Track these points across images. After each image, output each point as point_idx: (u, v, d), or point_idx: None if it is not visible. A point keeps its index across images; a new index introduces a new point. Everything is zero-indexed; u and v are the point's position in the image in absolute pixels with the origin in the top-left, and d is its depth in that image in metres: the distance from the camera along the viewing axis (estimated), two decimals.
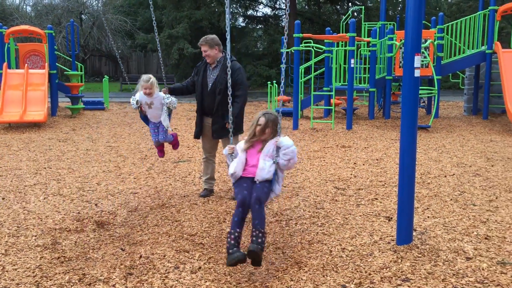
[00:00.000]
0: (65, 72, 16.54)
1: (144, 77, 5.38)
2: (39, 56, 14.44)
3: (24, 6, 33.86)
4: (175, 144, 5.83)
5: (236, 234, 3.58)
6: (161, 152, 5.87)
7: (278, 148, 3.89)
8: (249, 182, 3.85)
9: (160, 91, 5.48)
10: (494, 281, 3.32)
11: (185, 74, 28.50)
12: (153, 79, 5.37)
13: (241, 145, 4.07)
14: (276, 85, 14.28)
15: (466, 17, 13.41)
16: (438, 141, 9.49)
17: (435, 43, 12.49)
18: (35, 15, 31.05)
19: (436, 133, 10.55)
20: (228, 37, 4.20)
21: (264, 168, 3.82)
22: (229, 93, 4.32)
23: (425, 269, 3.51)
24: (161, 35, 24.98)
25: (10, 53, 13.94)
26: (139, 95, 5.42)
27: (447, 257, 3.72)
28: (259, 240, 3.54)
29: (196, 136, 5.74)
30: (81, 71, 16.62)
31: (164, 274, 3.55)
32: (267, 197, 3.81)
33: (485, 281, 3.32)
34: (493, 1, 12.63)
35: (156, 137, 5.61)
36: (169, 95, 5.43)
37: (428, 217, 4.78)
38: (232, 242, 3.55)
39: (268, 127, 3.94)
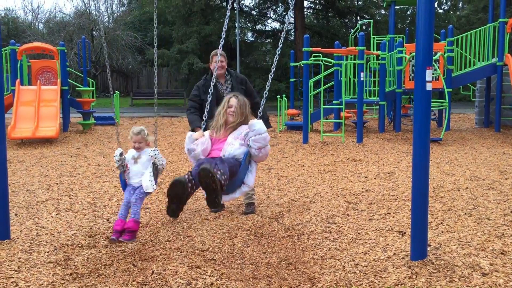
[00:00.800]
0: (76, 88, 16.72)
1: (134, 129, 4.77)
2: (51, 73, 14.62)
3: (37, 24, 34.45)
4: (130, 232, 4.58)
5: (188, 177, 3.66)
6: (117, 233, 4.56)
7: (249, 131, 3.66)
8: (211, 159, 3.61)
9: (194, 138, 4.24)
10: None
11: None
12: (144, 131, 4.76)
13: (194, 137, 3.92)
14: (286, 99, 14.30)
15: (476, 30, 13.38)
16: (450, 154, 9.42)
17: (445, 55, 12.47)
18: (47, 32, 31.51)
19: (448, 146, 10.47)
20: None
21: (232, 143, 3.61)
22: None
23: (440, 285, 3.46)
24: (171, 50, 25.24)
25: (23, 69, 14.13)
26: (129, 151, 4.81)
27: (462, 272, 3.67)
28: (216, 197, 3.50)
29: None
30: (92, 86, 16.79)
31: None
32: (231, 169, 3.54)
33: None
34: (503, 14, 12.61)
35: (129, 196, 4.68)
36: (157, 151, 4.66)
37: (442, 231, 4.72)
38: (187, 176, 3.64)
39: (240, 109, 3.82)
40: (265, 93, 3.91)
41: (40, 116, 12.09)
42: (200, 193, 6.57)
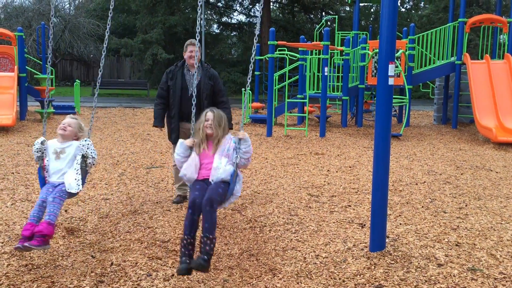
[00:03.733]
0: (35, 76, 16.19)
1: (71, 115, 4.23)
2: (8, 59, 14.10)
3: None
4: (43, 235, 3.56)
5: (186, 241, 3.43)
6: (24, 240, 3.56)
7: (236, 147, 3.73)
8: (203, 184, 3.66)
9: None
10: (465, 287, 3.37)
11: (158, 79, 28.20)
12: (79, 120, 4.15)
13: (185, 144, 3.83)
14: (250, 92, 14.29)
15: (436, 29, 13.74)
16: (409, 149, 9.65)
17: (407, 53, 12.74)
18: (4, 17, 30.32)
19: (407, 142, 10.72)
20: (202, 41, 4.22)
21: (219, 168, 3.64)
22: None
23: (397, 276, 3.54)
24: (134, 40, 24.79)
25: None
26: (52, 141, 4.04)
27: (419, 263, 3.77)
28: (207, 248, 3.36)
29: (175, 140, 5.58)
30: (51, 74, 16.30)
31: (136, 281, 3.48)
32: (221, 199, 3.58)
33: (456, 287, 3.36)
34: (462, 14, 12.99)
35: (45, 194, 3.77)
36: (89, 141, 3.97)
37: (400, 224, 4.84)
38: (183, 250, 3.42)
39: (217, 122, 3.81)
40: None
41: None
42: (162, 184, 6.51)
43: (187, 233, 3.44)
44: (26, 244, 3.51)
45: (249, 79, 4.16)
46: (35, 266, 3.73)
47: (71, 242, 4.29)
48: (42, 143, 3.91)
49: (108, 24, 4.06)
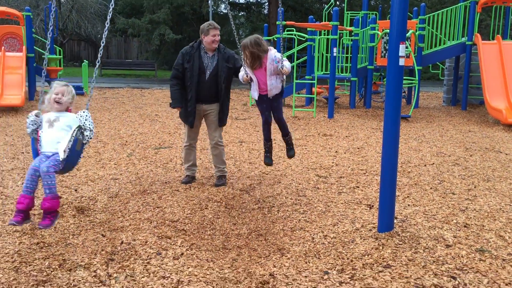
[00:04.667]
0: (43, 56, 16.20)
1: (60, 82, 3.99)
2: (17, 39, 14.11)
3: None
4: (49, 212, 3.53)
5: (267, 143, 5.22)
6: (20, 215, 3.49)
7: (279, 63, 4.78)
8: (265, 100, 4.97)
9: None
10: (473, 268, 3.38)
11: (166, 60, 28.17)
12: (71, 88, 3.89)
13: (245, 72, 4.96)
14: None
15: (447, 8, 13.52)
16: (418, 131, 9.60)
17: (417, 33, 12.58)
18: None
19: (416, 123, 10.66)
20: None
21: (272, 88, 4.88)
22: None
23: (405, 256, 3.55)
24: (141, 20, 24.64)
25: None
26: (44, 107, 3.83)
27: (427, 244, 3.78)
28: (289, 141, 5.23)
29: (192, 125, 5.52)
30: (59, 55, 16.30)
31: (146, 260, 3.53)
32: (281, 111, 5.09)
33: (464, 268, 3.38)
34: None
35: (38, 163, 3.54)
36: (87, 113, 3.72)
37: (409, 205, 4.84)
38: (266, 149, 5.25)
39: (250, 51, 4.79)
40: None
41: (4, 84, 11.71)
42: (171, 164, 6.54)
43: (266, 139, 5.19)
44: (40, 226, 3.50)
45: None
46: (46, 244, 3.78)
47: (81, 221, 4.34)
48: (36, 115, 3.69)
49: (112, 5, 3.91)
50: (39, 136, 3.70)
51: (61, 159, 3.53)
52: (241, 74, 4.99)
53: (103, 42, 3.95)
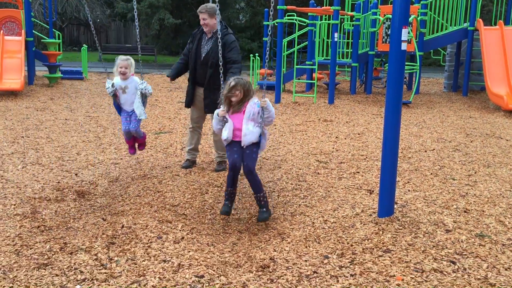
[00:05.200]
0: (42, 40, 16.08)
1: (122, 56, 5.20)
2: (15, 23, 14.00)
3: None
4: (141, 144, 5.50)
5: (229, 191, 4.18)
6: (132, 149, 5.47)
7: (260, 110, 4.16)
8: (238, 146, 4.18)
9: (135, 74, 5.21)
10: (473, 252, 3.39)
11: (166, 45, 28.03)
12: (131, 60, 5.15)
13: (219, 115, 4.25)
14: (259, 58, 14.15)
15: None
16: (418, 117, 9.58)
17: (418, 19, 12.49)
18: None
19: (417, 109, 10.63)
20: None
21: (247, 134, 4.14)
22: (221, 69, 4.48)
23: (405, 241, 3.56)
24: (141, 4, 24.45)
25: None
26: (115, 79, 5.14)
27: (427, 229, 3.79)
28: (262, 202, 4.11)
29: (187, 105, 5.62)
30: (58, 39, 16.19)
31: (147, 244, 3.54)
32: (255, 163, 4.21)
33: (464, 253, 3.39)
34: None
35: (127, 125, 5.16)
36: (143, 80, 5.12)
37: (409, 190, 4.84)
38: (227, 196, 4.19)
39: (239, 89, 4.12)
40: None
41: (3, 68, 11.64)
42: (171, 149, 6.53)
43: (229, 186, 4.17)
44: (140, 149, 5.56)
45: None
46: (47, 228, 3.79)
47: (82, 205, 4.34)
48: (112, 85, 5.04)
49: None
50: (118, 96, 5.12)
51: (139, 116, 5.08)
52: (216, 110, 4.30)
53: (93, 29, 4.76)
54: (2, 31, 13.08)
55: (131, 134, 5.23)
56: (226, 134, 4.18)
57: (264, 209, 4.12)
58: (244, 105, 4.19)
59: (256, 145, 4.19)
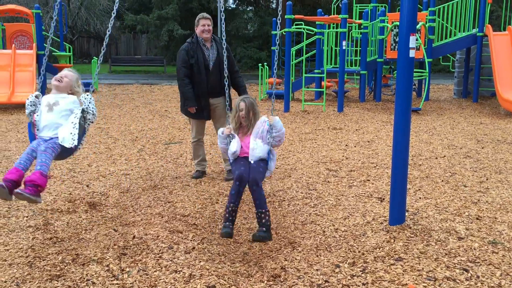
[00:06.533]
0: (53, 53, 16.29)
1: (69, 69, 4.01)
2: (27, 37, 14.22)
3: None
4: (35, 186, 3.32)
5: (231, 208, 3.85)
6: (8, 182, 3.31)
7: (269, 128, 4.07)
8: (245, 161, 4.06)
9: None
10: (486, 260, 3.36)
11: (175, 56, 28.15)
12: (76, 74, 3.94)
13: (225, 133, 4.20)
14: (267, 68, 14.20)
15: (457, 0, 13.38)
16: (428, 124, 9.53)
17: (427, 25, 12.47)
18: None
19: (427, 116, 10.59)
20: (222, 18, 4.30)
21: (255, 148, 4.03)
22: (226, 74, 4.63)
23: (417, 249, 3.54)
24: (150, 16, 24.68)
25: None
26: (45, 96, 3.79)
27: (439, 237, 3.76)
28: (263, 220, 3.85)
29: (208, 118, 5.57)
30: (69, 52, 16.39)
31: (158, 254, 3.55)
32: (262, 177, 4.01)
33: (476, 261, 3.35)
34: None
35: (36, 144, 3.50)
36: (90, 96, 3.74)
37: (420, 198, 4.81)
38: (227, 215, 3.84)
39: (250, 111, 4.12)
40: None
41: (15, 81, 11.81)
42: (181, 159, 6.56)
43: (232, 202, 3.85)
44: (18, 190, 3.23)
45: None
46: (60, 239, 3.82)
47: (93, 216, 4.37)
48: (36, 96, 3.68)
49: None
50: (35, 120, 3.61)
51: (60, 143, 3.49)
52: (221, 128, 4.27)
53: (105, 45, 4.00)
54: (14, 45, 13.28)
55: (31, 159, 3.46)
56: (235, 147, 4.07)
57: (264, 229, 3.82)
58: (253, 127, 4.12)
59: (264, 162, 4.02)
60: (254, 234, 3.87)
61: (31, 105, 3.67)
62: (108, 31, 3.95)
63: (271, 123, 4.07)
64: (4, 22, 15.28)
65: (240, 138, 4.15)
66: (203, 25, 5.37)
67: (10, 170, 3.41)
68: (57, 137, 3.50)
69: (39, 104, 3.67)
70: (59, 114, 3.59)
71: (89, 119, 3.65)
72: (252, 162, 4.02)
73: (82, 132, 3.64)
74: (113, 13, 3.92)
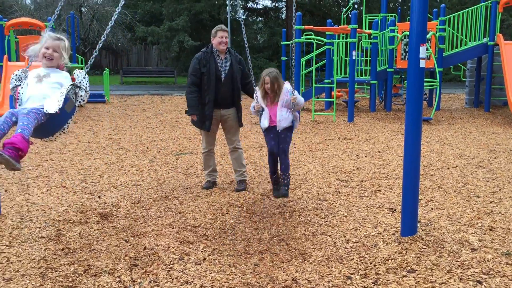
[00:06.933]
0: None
1: (52, 33, 3.62)
2: None
3: None
4: (15, 149, 3.05)
5: (274, 177, 5.16)
6: None
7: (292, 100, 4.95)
8: (274, 131, 5.02)
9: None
10: (500, 272, 3.32)
11: (186, 67, 28.35)
12: (66, 42, 3.58)
13: (255, 103, 5.11)
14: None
15: (468, 9, 13.35)
16: (440, 133, 9.48)
17: (437, 35, 12.45)
18: (34, 7, 30.93)
19: (438, 125, 10.53)
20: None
21: (281, 119, 4.92)
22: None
23: (430, 260, 3.50)
24: (161, 28, 24.92)
25: (10, 45, 13.89)
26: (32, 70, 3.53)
27: (452, 248, 3.72)
28: (285, 181, 5.03)
29: (209, 128, 5.53)
30: (81, 64, 16.56)
31: (169, 265, 3.55)
32: (289, 144, 5.01)
33: (490, 272, 3.31)
34: None
35: (17, 110, 3.25)
36: (85, 72, 3.55)
37: (432, 208, 4.77)
38: (273, 182, 5.18)
39: (274, 83, 4.88)
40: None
41: None
42: (192, 170, 6.58)
43: (272, 171, 5.13)
44: (2, 151, 2.97)
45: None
46: (71, 250, 3.84)
47: (105, 227, 4.39)
48: (23, 71, 3.50)
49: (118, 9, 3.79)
50: (19, 93, 3.35)
51: (44, 111, 3.18)
52: (253, 103, 5.16)
53: (96, 52, 3.66)
54: (27, 57, 13.46)
55: (10, 124, 3.20)
56: (266, 123, 4.98)
57: (286, 188, 4.97)
58: (279, 96, 4.91)
59: (289, 129, 4.97)
60: (278, 192, 5.02)
61: (16, 80, 3.46)
62: (104, 36, 3.79)
63: (294, 102, 4.95)
64: (18, 35, 15.51)
65: (268, 106, 5.00)
66: (220, 37, 5.41)
67: None
68: (40, 110, 3.19)
69: (25, 78, 3.46)
70: (48, 85, 3.35)
71: (81, 95, 3.39)
72: (279, 131, 4.93)
73: (72, 108, 3.36)
74: (110, 23, 3.87)
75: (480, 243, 3.83)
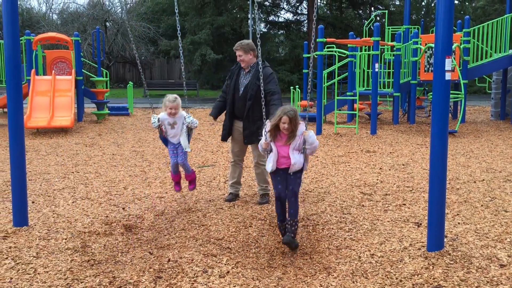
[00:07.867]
0: (90, 78, 16.80)
1: (170, 97, 5.20)
2: (66, 63, 14.70)
3: (50, 14, 34.59)
4: (191, 182, 5.55)
5: (283, 226, 4.29)
6: (178, 186, 5.56)
7: (304, 141, 4.31)
8: (282, 174, 4.33)
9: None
10: None
11: (207, 80, 28.67)
12: (178, 99, 5.23)
13: (264, 139, 4.41)
14: (299, 90, 14.24)
15: (493, 20, 13.19)
16: (465, 146, 9.33)
17: (461, 47, 12.31)
18: (61, 22, 31.66)
19: (463, 138, 10.37)
20: (258, 42, 4.58)
21: (295, 163, 4.29)
22: (263, 100, 4.70)
23: (457, 276, 3.43)
24: (183, 41, 25.24)
25: (37, 60, 14.23)
26: (161, 114, 5.26)
27: (480, 264, 3.64)
28: (292, 228, 4.17)
29: (223, 138, 5.75)
30: (106, 77, 16.86)
31: (193, 278, 3.56)
32: (299, 186, 4.36)
33: None
34: None
35: (175, 158, 5.35)
36: (190, 114, 5.30)
37: (459, 223, 4.68)
38: (282, 231, 4.32)
39: (292, 123, 4.23)
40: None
41: (55, 106, 12.19)
42: (214, 182, 6.60)
43: (280, 219, 4.34)
44: (190, 189, 5.60)
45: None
46: (97, 262, 3.88)
47: (129, 239, 4.43)
48: (158, 120, 5.24)
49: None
50: (164, 130, 5.31)
51: (184, 149, 5.29)
52: (261, 140, 4.44)
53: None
54: (54, 71, 13.76)
55: (178, 167, 5.42)
56: (271, 166, 4.34)
57: (292, 235, 4.17)
58: (294, 138, 4.28)
59: (300, 171, 4.36)
60: (283, 238, 4.19)
61: (155, 125, 5.29)
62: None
63: (305, 136, 4.30)
64: (45, 49, 15.88)
65: (278, 146, 4.36)
66: (237, 55, 5.50)
67: (172, 177, 5.54)
68: (181, 144, 5.29)
69: (161, 122, 5.27)
70: (178, 128, 5.28)
71: (192, 125, 5.26)
72: (291, 174, 4.30)
73: (189, 138, 5.38)
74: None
75: (509, 258, 3.73)
